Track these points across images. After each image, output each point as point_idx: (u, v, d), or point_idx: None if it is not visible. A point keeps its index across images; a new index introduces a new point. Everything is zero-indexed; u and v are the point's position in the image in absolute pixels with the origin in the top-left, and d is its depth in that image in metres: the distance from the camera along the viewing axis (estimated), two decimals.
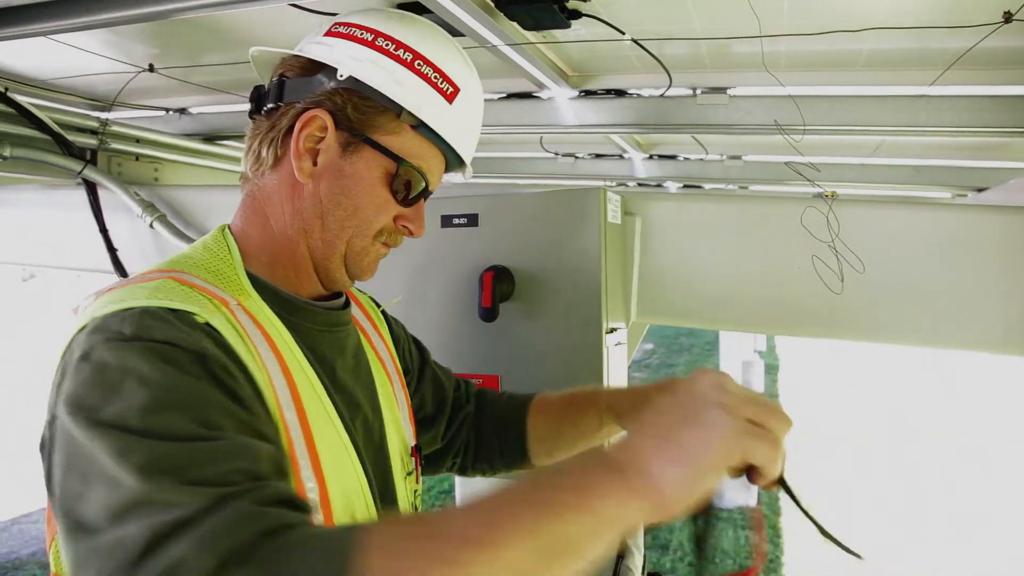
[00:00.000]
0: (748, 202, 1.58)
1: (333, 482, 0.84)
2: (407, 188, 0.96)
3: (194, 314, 0.76)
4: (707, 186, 3.88)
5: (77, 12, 1.31)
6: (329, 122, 0.91)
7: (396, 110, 0.93)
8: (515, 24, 1.58)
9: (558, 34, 1.71)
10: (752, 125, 1.97)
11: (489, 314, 1.43)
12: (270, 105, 0.94)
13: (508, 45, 1.64)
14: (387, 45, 0.93)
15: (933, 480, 9.93)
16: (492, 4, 1.49)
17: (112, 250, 2.29)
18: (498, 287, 1.44)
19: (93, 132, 2.28)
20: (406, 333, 1.26)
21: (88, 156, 2.24)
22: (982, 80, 1.81)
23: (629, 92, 2.06)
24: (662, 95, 2.03)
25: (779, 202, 1.53)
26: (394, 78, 0.92)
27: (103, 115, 2.33)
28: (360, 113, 0.92)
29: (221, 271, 0.89)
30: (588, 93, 2.09)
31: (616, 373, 1.48)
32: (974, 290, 1.42)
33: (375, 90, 0.92)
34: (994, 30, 1.35)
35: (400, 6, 1.52)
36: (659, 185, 3.85)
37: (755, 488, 9.40)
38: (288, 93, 0.93)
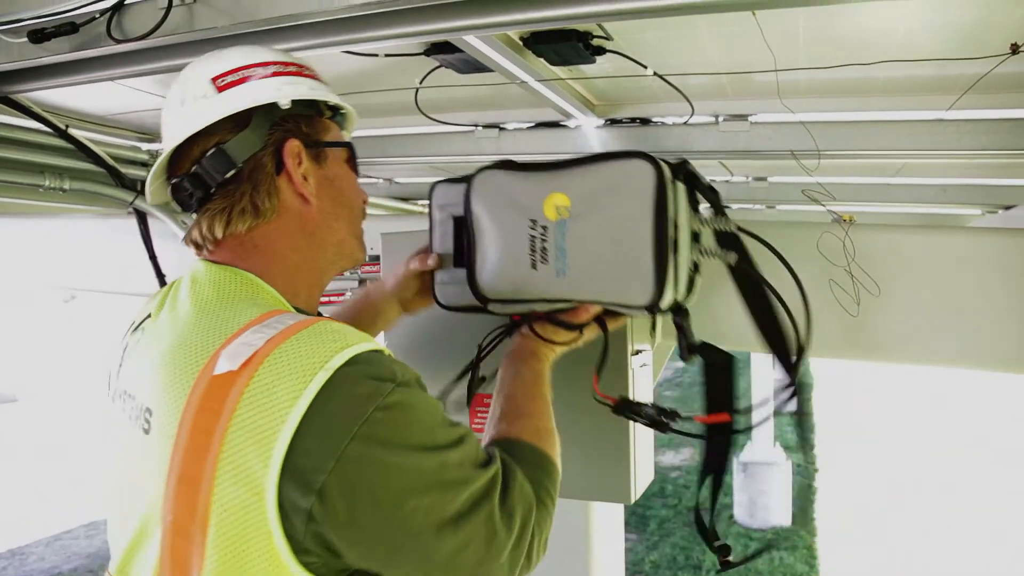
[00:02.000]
0: (768, 228, 1.63)
1: None
2: (357, 163, 1.11)
3: (383, 351, 0.88)
4: (734, 206, 3.92)
5: (137, 61, 1.42)
6: (301, 145, 1.00)
7: (319, 112, 1.05)
8: (542, 60, 1.66)
9: (583, 68, 1.79)
10: (773, 151, 2.03)
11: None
12: (228, 175, 0.97)
13: (537, 81, 1.72)
14: (280, 68, 1.02)
15: (968, 496, 9.74)
16: (520, 43, 1.57)
17: (161, 276, 2.40)
18: None
19: (143, 164, 2.41)
20: None
21: (139, 187, 2.36)
22: (999, 104, 1.86)
23: (653, 120, 2.13)
24: (685, 123, 2.10)
25: (798, 228, 1.58)
26: (308, 87, 1.03)
27: (153, 147, 2.46)
28: (309, 127, 1.03)
29: (284, 307, 0.95)
30: (613, 122, 2.17)
31: (641, 394, 1.54)
32: (989, 311, 1.46)
33: (311, 102, 1.03)
34: (1002, 61, 1.41)
35: (434, 46, 1.62)
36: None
37: (789, 509, 9.16)
38: (239, 153, 0.97)
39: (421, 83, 1.81)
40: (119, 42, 1.23)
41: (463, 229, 1.27)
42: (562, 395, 1.51)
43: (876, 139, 1.98)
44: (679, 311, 1.22)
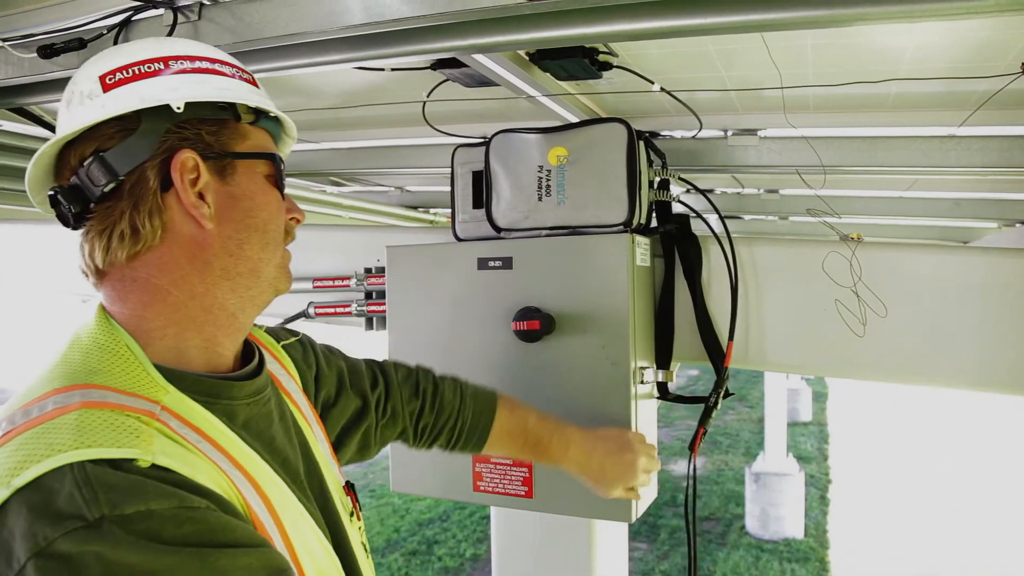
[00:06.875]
0: (776, 245, 1.63)
1: (309, 569, 0.84)
2: (282, 179, 0.94)
3: (135, 460, 0.67)
4: (746, 217, 3.91)
5: None
6: (197, 157, 0.84)
7: (234, 115, 0.89)
8: (548, 75, 1.66)
9: (591, 83, 1.78)
10: (783, 166, 2.02)
11: (528, 335, 1.50)
12: (107, 188, 0.81)
13: (545, 95, 1.72)
14: (183, 64, 0.86)
15: (984, 511, 9.63)
16: (526, 58, 1.57)
17: None
18: (545, 319, 1.49)
19: None
20: (321, 356, 1.18)
21: None
22: (1011, 120, 1.84)
23: (662, 134, 2.13)
24: (694, 137, 2.09)
25: (805, 246, 1.57)
26: (216, 87, 0.87)
27: None
28: (212, 135, 0.86)
29: (128, 372, 0.79)
30: None
31: (644, 411, 1.53)
32: (998, 331, 1.44)
33: (215, 104, 0.86)
34: (1013, 80, 1.39)
35: (440, 62, 1.62)
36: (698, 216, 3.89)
37: (802, 520, 9.17)
38: (121, 162, 0.81)
39: (428, 96, 1.81)
40: None
41: (482, 178, 1.65)
42: (564, 410, 1.51)
43: (886, 155, 1.97)
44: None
